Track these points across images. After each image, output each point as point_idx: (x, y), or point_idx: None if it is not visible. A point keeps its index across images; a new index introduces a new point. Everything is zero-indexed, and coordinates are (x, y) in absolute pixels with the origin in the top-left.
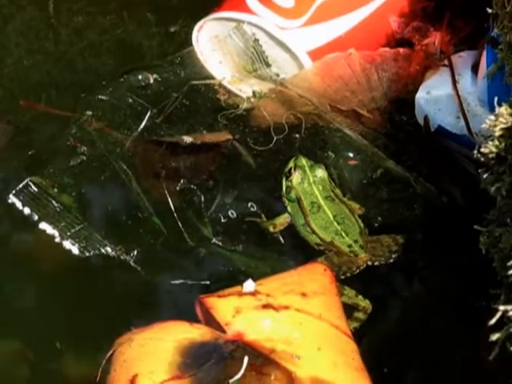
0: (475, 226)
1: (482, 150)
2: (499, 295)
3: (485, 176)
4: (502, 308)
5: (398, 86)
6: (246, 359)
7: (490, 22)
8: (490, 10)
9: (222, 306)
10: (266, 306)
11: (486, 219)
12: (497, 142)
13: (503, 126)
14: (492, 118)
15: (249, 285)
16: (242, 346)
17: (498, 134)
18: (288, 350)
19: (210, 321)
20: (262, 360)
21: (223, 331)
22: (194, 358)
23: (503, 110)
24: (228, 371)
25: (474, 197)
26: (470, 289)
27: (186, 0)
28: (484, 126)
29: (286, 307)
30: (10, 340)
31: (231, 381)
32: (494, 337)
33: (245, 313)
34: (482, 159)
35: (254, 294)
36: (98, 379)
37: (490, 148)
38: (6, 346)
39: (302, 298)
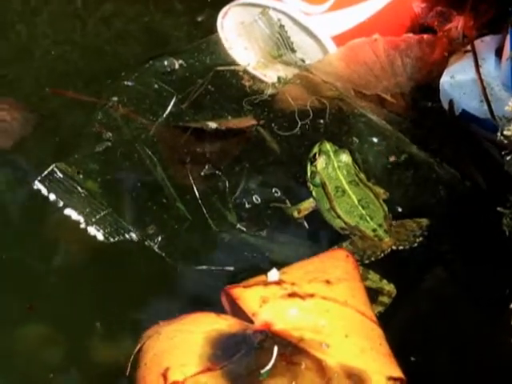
0: (498, 208)
1: (505, 132)
2: None
3: (508, 158)
4: None
5: (422, 72)
6: (275, 349)
7: None
8: None
9: (248, 296)
10: (291, 295)
11: (509, 201)
12: None
13: None
14: None
15: (273, 274)
16: (270, 336)
17: None
18: (316, 339)
19: (237, 311)
20: (292, 349)
21: (251, 321)
22: (224, 349)
23: None
24: (258, 361)
25: (497, 181)
26: (492, 273)
27: None
28: (507, 108)
29: (312, 295)
30: (39, 324)
31: (262, 371)
32: None
33: (271, 302)
34: (505, 142)
35: (279, 283)
36: (128, 373)
37: None
38: (35, 329)
39: (326, 286)
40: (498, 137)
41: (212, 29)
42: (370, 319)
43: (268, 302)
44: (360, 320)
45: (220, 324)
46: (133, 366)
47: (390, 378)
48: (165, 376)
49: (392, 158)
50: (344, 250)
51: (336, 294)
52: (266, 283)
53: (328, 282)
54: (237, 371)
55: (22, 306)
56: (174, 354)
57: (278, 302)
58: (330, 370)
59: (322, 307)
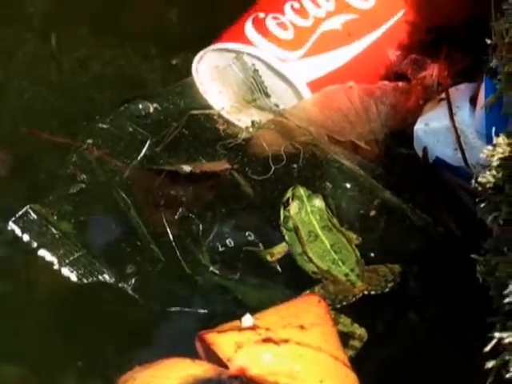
0: (472, 255)
1: (480, 179)
2: (495, 323)
3: (482, 205)
4: (497, 335)
5: (397, 119)
6: None
7: (490, 53)
8: (489, 41)
9: (223, 341)
10: (266, 340)
11: (483, 248)
12: (494, 172)
13: (501, 155)
14: (490, 148)
15: (247, 319)
16: (245, 381)
17: (495, 163)
18: None
19: (211, 356)
20: None
21: (225, 367)
22: None
23: (501, 140)
24: None
25: (471, 228)
26: (464, 318)
27: (188, 32)
28: (482, 155)
29: (286, 341)
30: (13, 365)
31: None
32: (490, 364)
33: (246, 347)
34: (480, 189)
35: (253, 328)
36: None
37: (488, 178)
38: (10, 369)
39: (300, 331)
40: (472, 184)
41: (187, 72)
42: (343, 364)
43: (243, 348)
44: (334, 365)
45: (195, 369)
46: None
47: None
48: None
49: (372, 213)
50: (316, 295)
51: (310, 339)
52: (241, 328)
53: (302, 327)
54: None
55: None
56: None
57: (253, 347)
58: None
59: (297, 352)
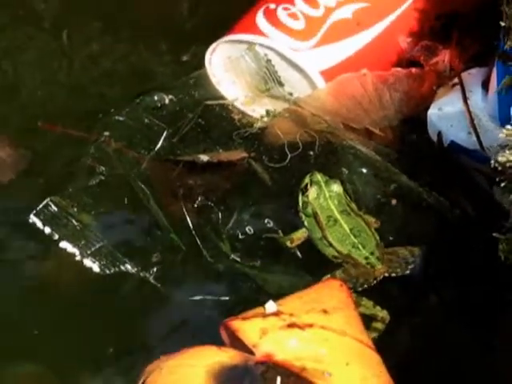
0: (494, 234)
1: (500, 158)
2: None
3: (501, 185)
4: None
5: (410, 105)
6: (278, 379)
7: (501, 37)
8: (502, 24)
9: (248, 328)
10: (290, 326)
11: (504, 227)
12: None
13: None
14: (509, 127)
15: (271, 306)
16: (272, 367)
17: None
18: (318, 368)
19: (237, 343)
20: (295, 379)
21: (251, 353)
22: (227, 381)
23: None
24: None
25: (486, 210)
26: (485, 298)
27: (198, 27)
28: (501, 135)
29: (311, 325)
30: (29, 363)
31: None
32: None
33: (271, 333)
34: (499, 168)
35: (277, 314)
36: None
37: (508, 157)
38: (26, 368)
39: (324, 315)
40: (491, 164)
41: (198, 67)
42: (368, 347)
43: (268, 334)
44: (359, 348)
45: (221, 356)
46: None
47: None
48: None
49: (393, 201)
50: (338, 280)
51: (333, 323)
52: (265, 315)
53: (325, 311)
54: None
55: (12, 343)
56: None
57: (278, 332)
58: None
59: (321, 337)
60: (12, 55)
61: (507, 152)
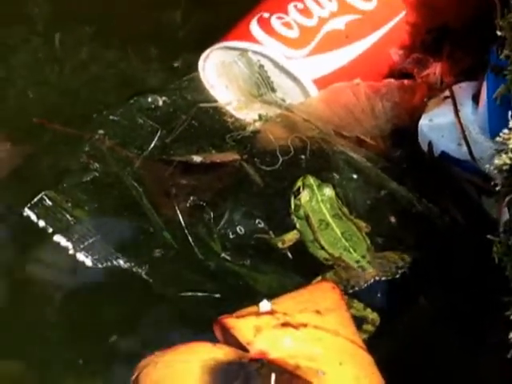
0: (488, 236)
1: (496, 161)
2: (510, 303)
3: (497, 188)
4: None
5: (402, 116)
6: (273, 376)
7: (494, 49)
8: (499, 33)
9: (242, 325)
10: (284, 325)
11: (497, 230)
12: (510, 154)
13: None
14: (506, 131)
15: (265, 305)
16: (266, 364)
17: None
18: (312, 366)
19: (230, 341)
20: (289, 377)
21: (245, 350)
22: (222, 377)
23: None
24: None
25: (476, 219)
26: (472, 304)
27: (190, 35)
28: (498, 138)
29: (304, 325)
30: (12, 360)
31: None
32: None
33: (265, 332)
34: (495, 171)
35: (271, 313)
36: None
37: (504, 160)
38: (7, 366)
39: (317, 316)
40: (482, 173)
41: (188, 74)
42: (360, 348)
43: (262, 332)
44: (352, 348)
45: (216, 353)
46: None
47: None
48: None
49: (392, 220)
50: (330, 282)
51: (327, 323)
52: (259, 313)
53: (318, 312)
54: None
55: None
56: (173, 383)
57: (272, 331)
58: None
59: (315, 336)
60: (4, 57)
61: (504, 156)
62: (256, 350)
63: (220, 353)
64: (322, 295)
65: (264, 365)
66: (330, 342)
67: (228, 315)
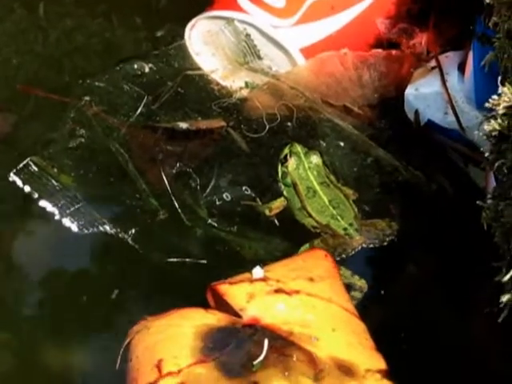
0: (477, 202)
1: (486, 127)
2: (501, 268)
3: (486, 155)
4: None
5: (389, 86)
6: (266, 342)
7: (482, 18)
8: (487, 1)
9: (235, 292)
10: (277, 291)
11: (485, 196)
12: (499, 120)
13: (506, 104)
14: (495, 97)
15: (258, 271)
16: (260, 330)
17: (501, 112)
18: (305, 332)
19: (223, 307)
20: (282, 342)
21: (238, 317)
22: (215, 342)
23: (506, 89)
24: (250, 354)
25: (462, 187)
26: (458, 268)
27: (174, 3)
28: (487, 104)
29: (297, 291)
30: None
31: (255, 362)
32: (504, 298)
33: (258, 298)
34: (484, 138)
35: (264, 279)
36: (117, 367)
37: (494, 126)
38: None
39: (310, 283)
40: (473, 138)
41: (172, 43)
42: (353, 315)
43: (255, 298)
44: (344, 315)
45: (209, 318)
46: (122, 359)
47: (377, 371)
48: (159, 367)
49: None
50: (322, 250)
51: (320, 290)
52: (252, 280)
53: (311, 279)
54: (230, 363)
55: None
56: (166, 347)
57: (265, 297)
58: (321, 362)
59: (308, 303)
60: None
61: (493, 121)
62: (249, 316)
63: (213, 318)
64: (315, 263)
65: (257, 330)
66: (323, 309)
67: (221, 281)
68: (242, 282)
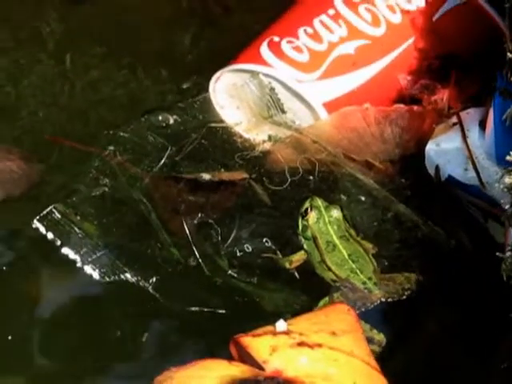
0: (497, 254)
1: (506, 180)
2: None
3: (506, 207)
4: None
5: (411, 141)
6: None
7: (503, 73)
8: (509, 55)
9: (258, 344)
10: (300, 344)
11: (505, 248)
12: None
13: None
14: None
15: (281, 324)
16: (282, 382)
17: None
18: None
19: (246, 359)
20: None
21: (261, 369)
22: None
23: None
24: None
25: (482, 243)
26: (477, 323)
27: (199, 56)
28: (508, 158)
29: (320, 345)
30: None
31: None
32: None
33: (281, 351)
34: (505, 190)
35: (287, 333)
36: None
37: None
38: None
39: (332, 337)
40: (493, 194)
41: (197, 95)
42: (375, 369)
43: (278, 351)
44: (366, 369)
45: (232, 370)
46: None
47: None
48: None
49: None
50: (345, 304)
51: (342, 344)
52: (275, 333)
53: (333, 333)
54: None
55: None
56: None
57: (288, 350)
58: None
59: (331, 356)
60: (15, 77)
61: None
62: (272, 369)
63: (236, 370)
64: (338, 317)
65: (280, 383)
66: (345, 363)
67: (244, 334)
68: (265, 334)
